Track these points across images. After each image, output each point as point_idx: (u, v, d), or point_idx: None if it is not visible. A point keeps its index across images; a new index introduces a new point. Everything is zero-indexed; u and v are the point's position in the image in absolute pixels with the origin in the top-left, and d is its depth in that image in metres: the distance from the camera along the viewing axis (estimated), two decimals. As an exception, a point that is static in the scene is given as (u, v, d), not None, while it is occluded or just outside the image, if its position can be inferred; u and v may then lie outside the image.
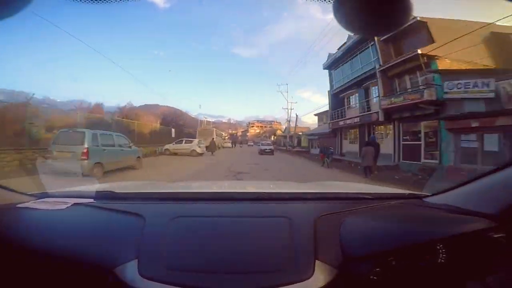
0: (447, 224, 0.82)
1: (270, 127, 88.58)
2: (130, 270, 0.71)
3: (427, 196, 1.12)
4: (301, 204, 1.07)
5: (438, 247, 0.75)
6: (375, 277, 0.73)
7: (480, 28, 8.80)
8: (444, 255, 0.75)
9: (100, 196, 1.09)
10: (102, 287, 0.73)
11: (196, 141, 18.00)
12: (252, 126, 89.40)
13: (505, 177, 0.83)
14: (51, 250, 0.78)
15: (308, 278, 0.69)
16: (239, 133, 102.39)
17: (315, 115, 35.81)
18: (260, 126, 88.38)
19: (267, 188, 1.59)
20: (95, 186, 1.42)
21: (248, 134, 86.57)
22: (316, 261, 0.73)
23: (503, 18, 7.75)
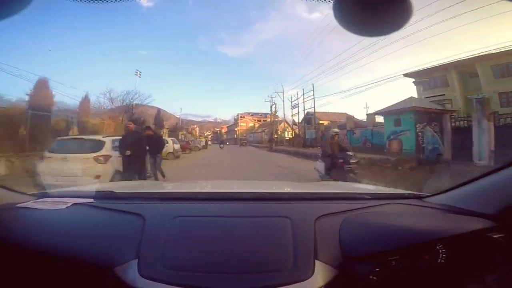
0: (447, 224, 0.82)
1: (264, 120, 67.56)
2: (130, 269, 0.71)
3: (427, 196, 1.12)
4: (301, 204, 1.06)
5: (438, 247, 0.75)
6: (374, 277, 0.73)
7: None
8: (444, 255, 0.75)
9: (100, 196, 1.08)
10: (102, 287, 0.73)
11: None
12: (242, 118, 68.70)
13: (505, 177, 0.84)
14: (51, 250, 0.78)
15: (308, 278, 0.69)
16: (224, 130, 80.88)
17: (406, 75, 15.76)
18: (255, 120, 67.66)
19: (267, 188, 1.54)
20: (94, 186, 1.43)
21: (237, 129, 65.54)
22: (316, 261, 0.73)
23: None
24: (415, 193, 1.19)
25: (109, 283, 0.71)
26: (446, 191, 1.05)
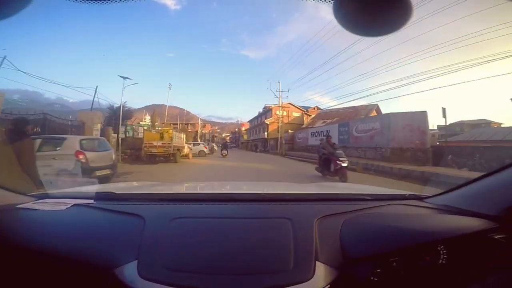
0: (447, 225, 0.82)
1: (307, 113, 37.34)
2: (130, 271, 0.70)
3: (428, 197, 1.11)
4: (302, 205, 1.05)
5: (438, 248, 0.75)
6: (375, 278, 0.73)
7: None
8: (444, 256, 0.75)
9: (100, 197, 1.08)
10: None
11: None
12: (273, 107, 39.40)
13: (505, 178, 0.83)
14: (51, 251, 0.77)
15: (309, 279, 0.68)
16: (245, 128, 57.30)
17: None
18: (297, 109, 38.10)
19: (268, 189, 1.51)
20: (95, 187, 1.41)
21: (268, 122, 36.78)
22: (317, 262, 0.72)
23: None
24: (416, 193, 1.18)
25: (109, 284, 0.71)
26: (447, 191, 1.05)
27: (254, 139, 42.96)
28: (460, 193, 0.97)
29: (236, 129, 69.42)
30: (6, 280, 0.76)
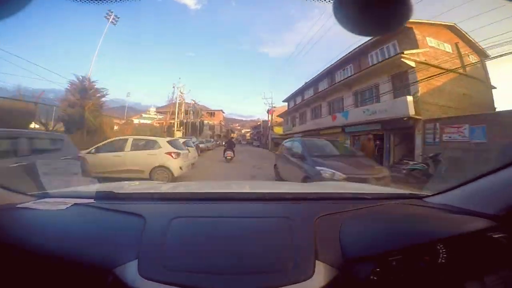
0: (447, 224, 0.82)
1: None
2: (130, 270, 0.71)
3: (428, 196, 1.11)
4: (301, 204, 1.06)
5: (438, 247, 0.75)
6: (375, 277, 0.73)
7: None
8: (444, 255, 0.75)
9: (100, 196, 1.07)
10: (102, 287, 0.73)
11: None
12: (416, 25, 12.85)
13: (505, 177, 0.83)
14: (51, 250, 0.78)
15: (308, 278, 0.68)
16: (276, 114, 33.75)
17: None
18: None
19: (267, 188, 1.52)
20: (95, 186, 1.40)
21: (414, 64, 9.58)
22: (316, 261, 0.73)
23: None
24: (415, 193, 1.18)
25: (109, 284, 0.71)
26: (447, 190, 1.04)
27: (317, 130, 16.92)
28: (460, 192, 0.98)
29: (261, 121, 46.92)
30: (6, 280, 0.76)
